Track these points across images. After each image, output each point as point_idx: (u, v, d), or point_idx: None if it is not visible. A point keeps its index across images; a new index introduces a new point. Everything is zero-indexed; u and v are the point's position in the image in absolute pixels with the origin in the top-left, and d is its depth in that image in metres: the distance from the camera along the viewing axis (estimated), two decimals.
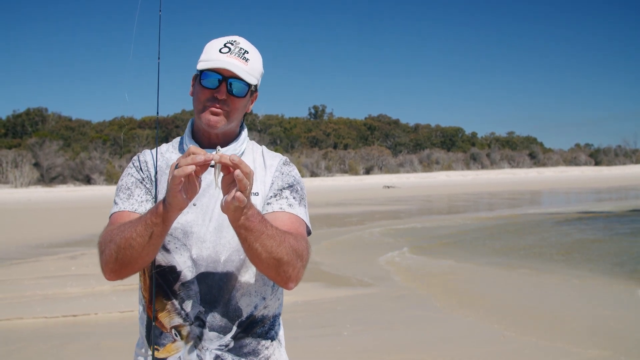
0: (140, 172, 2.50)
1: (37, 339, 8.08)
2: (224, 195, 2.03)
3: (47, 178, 65.37)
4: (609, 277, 11.86)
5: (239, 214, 2.06)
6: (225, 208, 2.04)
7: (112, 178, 63.31)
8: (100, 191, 51.92)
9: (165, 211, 2.10)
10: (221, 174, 2.02)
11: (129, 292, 10.51)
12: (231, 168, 1.98)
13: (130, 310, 9.23)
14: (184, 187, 2.03)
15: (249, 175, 1.98)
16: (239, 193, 1.97)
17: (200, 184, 2.08)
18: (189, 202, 2.09)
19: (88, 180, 66.43)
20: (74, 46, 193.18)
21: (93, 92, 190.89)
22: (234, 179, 1.98)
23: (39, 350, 7.58)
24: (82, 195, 49.50)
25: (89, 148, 72.39)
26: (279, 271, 2.24)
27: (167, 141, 2.65)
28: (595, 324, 8.45)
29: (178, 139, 2.62)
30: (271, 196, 2.46)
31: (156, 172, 2.46)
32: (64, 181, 66.09)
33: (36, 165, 65.62)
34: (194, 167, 1.98)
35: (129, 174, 2.51)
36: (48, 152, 66.58)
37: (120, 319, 9.10)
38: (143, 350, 2.49)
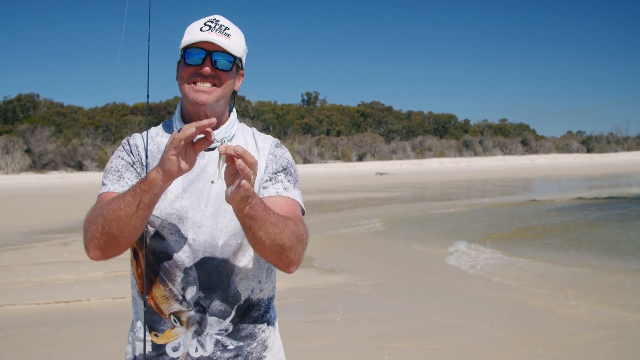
0: (131, 155, 2.47)
1: (29, 326, 8.07)
2: (227, 186, 2.02)
3: (39, 164, 65.23)
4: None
5: (244, 203, 2.04)
6: (230, 199, 2.02)
7: (104, 164, 63.04)
8: (92, 177, 51.88)
9: (155, 177, 2.08)
10: (225, 165, 2.01)
11: (121, 279, 10.51)
12: (235, 158, 1.96)
13: (122, 297, 9.22)
14: (182, 155, 2.05)
15: (253, 165, 1.97)
16: (244, 181, 1.95)
17: (195, 161, 2.10)
18: (183, 173, 2.08)
19: (80, 167, 66.35)
20: (65, 32, 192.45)
21: (85, 78, 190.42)
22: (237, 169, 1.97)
23: (31, 337, 7.57)
24: (74, 181, 49.47)
25: (80, 134, 72.23)
26: (282, 256, 2.24)
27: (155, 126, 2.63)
28: None
29: (168, 122, 2.59)
30: (266, 180, 2.45)
31: (147, 157, 2.44)
32: (55, 167, 65.97)
33: (28, 151, 65.45)
34: (193, 129, 1.99)
35: (119, 156, 2.48)
36: (40, 138, 66.40)
37: (112, 305, 9.09)
38: (137, 336, 2.47)
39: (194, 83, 2.38)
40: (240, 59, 2.46)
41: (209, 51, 2.36)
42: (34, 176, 56.94)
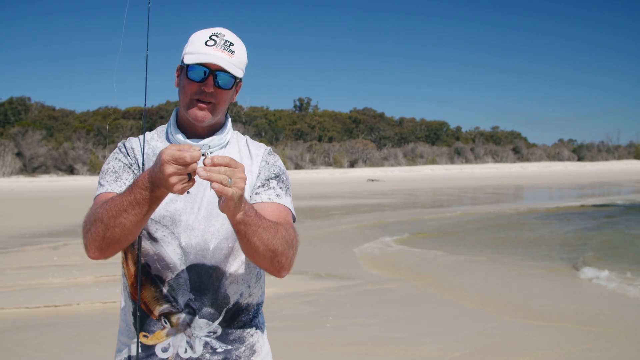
0: (128, 157, 2.50)
1: (18, 329, 8.04)
2: (219, 196, 2.05)
3: (30, 168, 64.96)
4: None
5: (238, 210, 2.07)
6: (224, 207, 2.05)
7: (95, 168, 62.98)
8: (83, 181, 51.65)
9: (160, 193, 2.10)
10: None
11: (112, 283, 10.49)
12: (198, 169, 2.00)
13: (112, 301, 9.21)
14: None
15: (230, 170, 1.99)
16: (214, 184, 1.97)
17: None
18: None
19: (71, 171, 66.07)
20: (58, 36, 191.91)
21: (77, 82, 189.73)
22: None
23: (20, 341, 7.55)
24: (65, 185, 49.24)
25: (72, 138, 71.93)
26: (273, 261, 2.28)
27: (151, 131, 2.64)
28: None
29: (163, 127, 2.61)
30: (259, 186, 2.49)
31: (143, 163, 2.46)
32: (46, 171, 65.69)
33: (19, 154, 65.16)
34: (194, 182, 2.04)
35: (116, 158, 2.50)
36: (31, 141, 66.10)
37: (102, 309, 9.08)
38: (127, 338, 2.48)
39: (195, 99, 2.40)
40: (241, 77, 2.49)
41: (211, 69, 2.38)
42: (24, 179, 56.66)
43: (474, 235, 18.22)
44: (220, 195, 2.01)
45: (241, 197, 2.04)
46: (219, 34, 2.44)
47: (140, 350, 2.41)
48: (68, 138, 72.35)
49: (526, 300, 9.78)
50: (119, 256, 2.47)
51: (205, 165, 1.98)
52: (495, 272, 12.40)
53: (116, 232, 2.18)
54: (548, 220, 22.84)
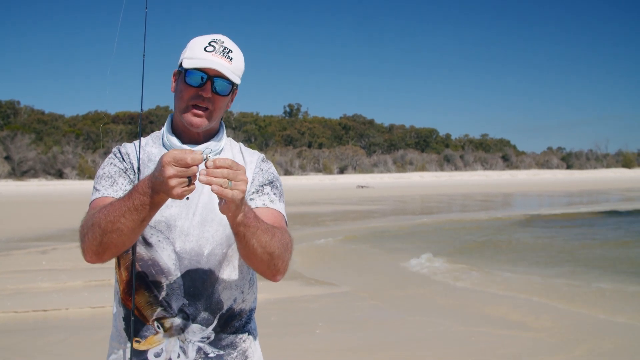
0: (123, 162, 2.50)
1: (6, 334, 8.01)
2: (219, 199, 2.06)
3: (19, 172, 64.73)
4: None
5: (238, 212, 2.08)
6: (225, 209, 2.06)
7: (84, 172, 62.86)
8: (72, 186, 51.57)
9: (159, 199, 2.11)
10: None
11: (101, 288, 10.46)
12: (200, 173, 2.01)
13: (101, 306, 9.18)
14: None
15: (234, 173, 2.00)
16: (213, 186, 1.98)
17: None
18: None
19: (60, 175, 65.90)
20: (48, 39, 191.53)
21: (66, 85, 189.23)
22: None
23: (8, 345, 7.51)
24: (53, 189, 49.12)
25: (61, 142, 71.74)
26: (270, 265, 2.29)
27: (142, 136, 2.64)
28: None
29: (158, 133, 2.61)
30: (253, 192, 2.50)
31: (139, 168, 2.46)
32: (35, 175, 65.48)
33: (7, 158, 64.93)
34: (193, 188, 2.05)
35: (111, 163, 2.50)
36: (20, 145, 65.90)
37: (91, 314, 9.04)
38: (119, 343, 2.48)
39: (192, 105, 2.41)
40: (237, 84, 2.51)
41: (210, 75, 2.39)
42: (13, 183, 56.47)
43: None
44: (221, 197, 2.02)
45: (242, 199, 2.05)
46: (218, 40, 2.45)
47: (132, 356, 2.41)
48: (57, 142, 72.15)
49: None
50: (110, 261, 2.47)
51: (207, 167, 1.99)
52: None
53: (113, 237, 2.18)
54: (482, 226, 23.60)
